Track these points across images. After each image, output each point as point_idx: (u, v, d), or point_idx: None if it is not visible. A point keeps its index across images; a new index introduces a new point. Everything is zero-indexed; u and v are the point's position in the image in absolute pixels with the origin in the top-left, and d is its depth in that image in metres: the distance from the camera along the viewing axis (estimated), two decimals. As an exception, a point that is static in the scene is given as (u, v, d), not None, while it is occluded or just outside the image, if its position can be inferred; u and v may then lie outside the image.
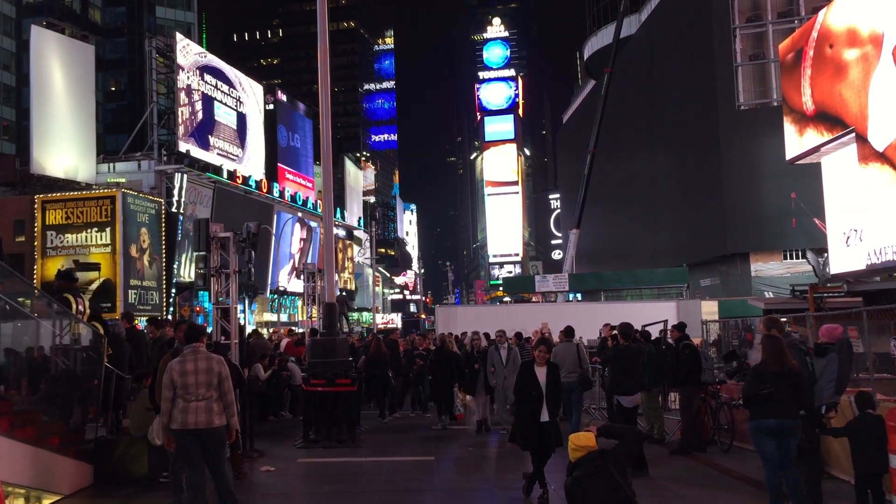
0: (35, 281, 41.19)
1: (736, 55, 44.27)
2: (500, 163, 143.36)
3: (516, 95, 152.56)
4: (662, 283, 41.19)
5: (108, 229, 39.85)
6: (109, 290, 39.07)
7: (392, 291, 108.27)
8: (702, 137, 46.04)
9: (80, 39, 44.11)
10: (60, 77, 42.10)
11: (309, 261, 47.42)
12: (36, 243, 41.27)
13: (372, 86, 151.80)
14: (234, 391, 7.27)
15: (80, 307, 8.16)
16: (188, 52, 47.97)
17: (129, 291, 39.72)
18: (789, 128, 21.71)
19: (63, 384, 7.66)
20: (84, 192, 41.62)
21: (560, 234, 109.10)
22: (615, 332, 11.68)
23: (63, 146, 42.25)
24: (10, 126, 61.73)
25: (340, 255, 68.46)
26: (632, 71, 57.49)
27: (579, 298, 44.85)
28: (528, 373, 8.31)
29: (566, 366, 11.83)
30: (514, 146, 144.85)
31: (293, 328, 26.24)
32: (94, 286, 39.11)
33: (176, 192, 43.64)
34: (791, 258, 43.34)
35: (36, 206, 41.32)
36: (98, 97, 55.67)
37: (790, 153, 21.82)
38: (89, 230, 40.80)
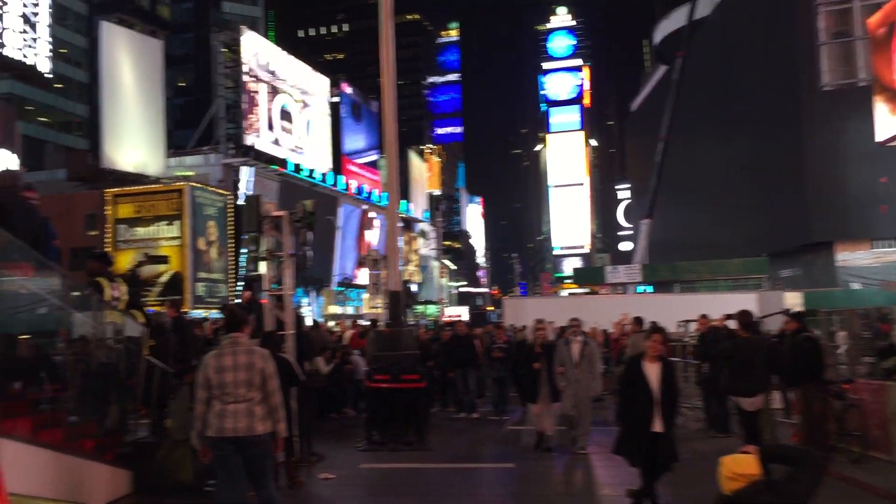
0: (106, 274, 41.74)
1: (819, 34, 41.82)
2: (566, 154, 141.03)
3: (582, 85, 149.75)
4: (740, 273, 39.27)
5: (176, 222, 39.99)
6: (178, 283, 39.22)
7: (457, 284, 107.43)
8: (782, 121, 43.78)
9: (149, 35, 44.35)
10: (130, 73, 42.39)
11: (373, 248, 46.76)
12: (108, 237, 41.71)
13: (436, 78, 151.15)
14: (286, 390, 6.32)
15: (116, 293, 7.32)
16: (254, 46, 47.94)
17: (198, 284, 39.81)
18: (881, 107, 19.96)
19: (96, 380, 6.76)
20: (153, 186, 41.91)
21: (629, 225, 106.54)
22: (711, 323, 10.50)
23: (133, 141, 42.57)
24: (83, 122, 62.94)
25: (406, 248, 67.90)
26: (705, 54, 55.17)
27: (650, 291, 43.15)
28: (635, 370, 6.86)
29: None
30: (580, 137, 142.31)
31: (358, 320, 25.54)
32: (163, 279, 39.31)
33: (242, 184, 43.59)
34: (881, 247, 40.87)
35: (107, 200, 41.77)
36: (167, 93, 56.22)
37: (881, 134, 20.07)
38: (158, 223, 41.05)
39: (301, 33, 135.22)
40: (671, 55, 55.84)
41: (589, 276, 52.04)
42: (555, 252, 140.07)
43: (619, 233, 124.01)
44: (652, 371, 6.78)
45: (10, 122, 31.69)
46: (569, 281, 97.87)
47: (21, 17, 30.39)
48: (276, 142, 49.03)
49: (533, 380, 10.97)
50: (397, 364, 10.86)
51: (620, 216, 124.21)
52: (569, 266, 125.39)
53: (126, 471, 6.92)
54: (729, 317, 11.22)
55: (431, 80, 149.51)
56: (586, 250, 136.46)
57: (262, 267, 9.18)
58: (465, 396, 14.68)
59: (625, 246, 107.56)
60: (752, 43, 47.93)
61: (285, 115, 50.74)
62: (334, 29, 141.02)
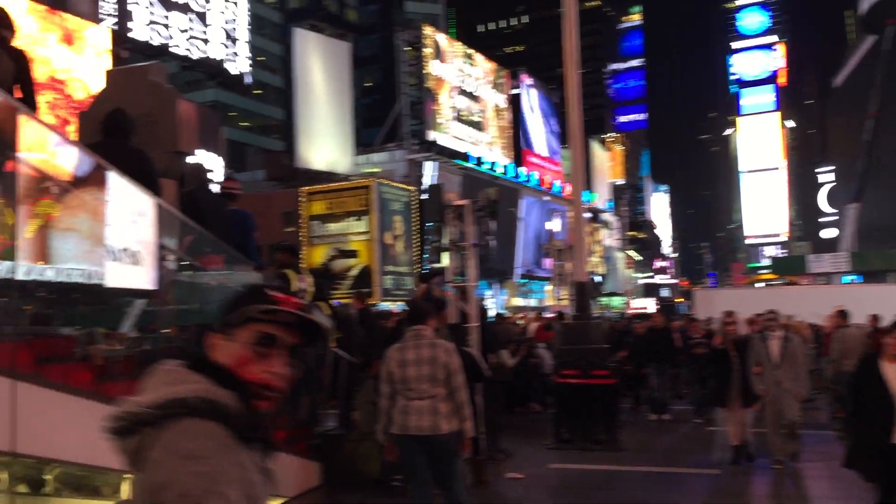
0: (302, 269, 44.04)
1: None
2: (759, 137, 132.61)
3: (777, 64, 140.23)
4: (971, 262, 35.13)
5: (364, 218, 41.38)
6: (368, 276, 40.57)
7: (643, 275, 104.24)
8: None
9: (338, 38, 46.25)
10: (321, 76, 44.38)
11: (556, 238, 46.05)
12: (302, 233, 43.98)
13: (618, 65, 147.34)
14: (472, 385, 6.01)
15: (302, 285, 7.42)
16: (434, 42, 48.72)
17: (385, 277, 41.00)
18: None
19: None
20: (343, 183, 43.64)
21: (833, 211, 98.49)
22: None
23: (324, 141, 44.55)
24: (280, 125, 66.94)
25: (588, 239, 66.60)
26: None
27: (858, 281, 39.53)
28: (870, 371, 5.82)
29: (856, 353, 10.07)
30: (774, 118, 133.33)
31: (542, 312, 25.08)
32: (353, 272, 40.84)
33: (426, 179, 44.43)
34: None
35: (302, 198, 44.01)
36: (355, 93, 58.51)
37: None
38: (348, 219, 42.67)
39: (481, 28, 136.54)
40: (880, 24, 50.74)
41: (788, 265, 48.56)
42: (748, 241, 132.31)
43: (821, 219, 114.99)
44: (892, 372, 5.73)
45: (215, 128, 34.02)
46: (764, 271, 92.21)
47: (223, 30, 32.60)
48: (458, 136, 49.60)
49: (723, 380, 9.55)
50: (586, 358, 10.29)
51: (822, 201, 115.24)
52: (763, 256, 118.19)
53: (316, 463, 6.96)
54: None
55: (613, 67, 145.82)
56: (783, 238, 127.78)
57: (445, 258, 9.01)
58: (657, 394, 13.58)
59: (827, 233, 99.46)
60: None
61: (466, 109, 51.21)
62: (514, 21, 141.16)
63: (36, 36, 19.53)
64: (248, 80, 35.76)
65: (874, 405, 5.72)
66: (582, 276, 11.90)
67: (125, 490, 4.78)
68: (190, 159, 7.58)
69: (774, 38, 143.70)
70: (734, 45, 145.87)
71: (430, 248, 8.99)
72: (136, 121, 5.94)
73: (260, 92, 64.88)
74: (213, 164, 32.02)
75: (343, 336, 8.18)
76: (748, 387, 9.18)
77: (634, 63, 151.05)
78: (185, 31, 29.43)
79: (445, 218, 8.63)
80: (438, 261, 9.19)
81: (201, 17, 30.47)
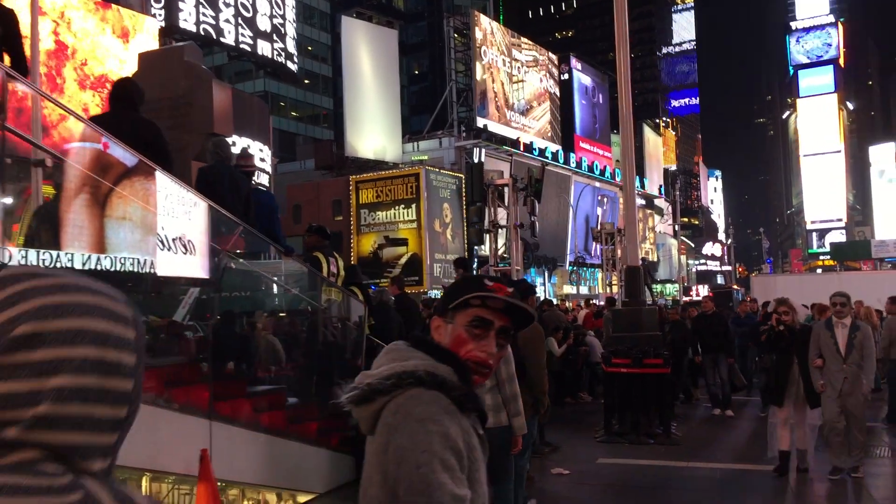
0: (352, 257, 44.18)
1: None
2: (818, 120, 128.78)
3: (836, 43, 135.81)
4: None
5: (413, 205, 41.18)
6: (417, 264, 40.40)
7: (697, 262, 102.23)
8: None
9: (385, 26, 46.01)
10: (368, 64, 44.22)
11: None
12: (352, 221, 44.01)
13: (671, 49, 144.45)
14: (520, 375, 5.60)
15: (333, 269, 7.05)
16: (484, 29, 48.18)
17: (434, 265, 40.76)
18: None
19: (318, 360, 6.47)
20: (391, 171, 43.50)
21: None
22: None
23: (372, 129, 44.43)
24: (328, 114, 67.14)
25: (641, 226, 65.42)
26: None
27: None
28: None
29: None
30: (834, 100, 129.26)
31: (592, 299, 24.45)
32: (402, 260, 40.74)
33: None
34: None
35: (350, 186, 44.01)
36: (402, 81, 58.29)
37: None
38: (397, 207, 42.54)
39: (530, 13, 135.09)
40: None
41: (850, 251, 46.94)
42: (808, 227, 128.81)
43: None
44: None
45: (263, 118, 34.16)
46: (824, 258, 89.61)
47: (269, 19, 32.64)
48: (507, 122, 49.04)
49: (781, 373, 8.17)
50: (638, 346, 9.69)
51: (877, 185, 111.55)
52: (822, 241, 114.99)
53: (349, 456, 6.57)
54: None
55: (666, 50, 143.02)
56: (843, 224, 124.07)
57: (487, 241, 8.61)
58: (716, 388, 12.55)
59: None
60: None
61: (515, 95, 50.60)
62: (563, 6, 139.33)
63: (91, 30, 19.48)
64: (295, 69, 35.79)
65: None
66: (634, 261, 11.32)
67: (144, 485, 4.57)
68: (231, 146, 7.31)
69: (832, 17, 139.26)
70: (792, 24, 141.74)
71: (472, 231, 8.49)
72: (162, 98, 5.67)
73: (308, 82, 65.12)
74: (262, 154, 32.22)
75: (379, 323, 7.82)
76: (809, 383, 7.89)
77: (687, 46, 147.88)
78: (233, 20, 29.46)
79: (487, 199, 8.20)
80: (480, 243, 8.78)
81: (249, 6, 30.49)
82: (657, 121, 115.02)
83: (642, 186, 66.75)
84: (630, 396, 9.45)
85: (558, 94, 56.80)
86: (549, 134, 54.14)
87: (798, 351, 8.02)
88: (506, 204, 8.04)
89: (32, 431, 0.85)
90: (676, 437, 9.84)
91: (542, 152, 48.66)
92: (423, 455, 1.58)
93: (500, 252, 11.77)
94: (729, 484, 7.92)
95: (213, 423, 4.29)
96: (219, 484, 4.04)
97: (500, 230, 8.13)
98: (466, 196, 41.81)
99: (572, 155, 54.33)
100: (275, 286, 6.25)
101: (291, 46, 35.29)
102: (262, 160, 32.06)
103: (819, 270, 58.25)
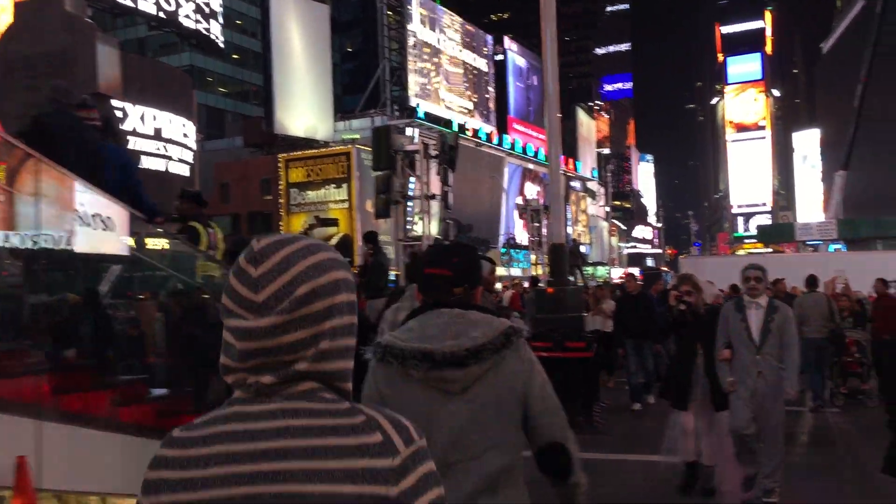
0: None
1: None
2: (745, 106, 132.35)
3: (763, 31, 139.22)
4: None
5: (344, 185, 40.41)
6: (348, 246, 39.59)
7: (628, 245, 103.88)
8: None
9: (317, 1, 44.85)
10: (299, 40, 43.10)
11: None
12: (281, 201, 42.98)
13: (605, 34, 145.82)
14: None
15: (213, 240, 6.23)
16: (418, 7, 47.39)
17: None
18: None
19: (194, 344, 5.68)
20: (322, 150, 42.60)
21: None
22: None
23: (303, 106, 43.39)
24: (259, 91, 65.35)
25: (573, 208, 65.81)
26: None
27: (842, 250, 39.01)
28: None
29: (816, 319, 10.46)
30: (760, 87, 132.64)
31: (520, 281, 24.18)
32: (333, 241, 39.73)
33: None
34: None
35: (280, 165, 42.94)
36: (335, 58, 57.03)
37: None
38: (328, 186, 41.73)
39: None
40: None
41: (775, 233, 48.01)
42: (734, 211, 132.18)
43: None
44: None
45: (186, 92, 32.77)
46: (750, 241, 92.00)
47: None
48: (441, 102, 48.49)
49: (682, 369, 6.56)
50: (559, 329, 9.10)
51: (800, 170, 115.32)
52: (748, 225, 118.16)
53: None
54: None
55: (600, 35, 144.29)
56: (768, 208, 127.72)
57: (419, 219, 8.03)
58: (637, 380, 10.85)
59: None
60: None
61: (448, 75, 50.03)
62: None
63: None
64: (221, 42, 34.43)
65: None
66: (559, 238, 10.81)
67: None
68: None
69: (760, 6, 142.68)
70: (722, 13, 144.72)
71: (379, 201, 7.80)
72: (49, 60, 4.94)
73: (238, 57, 63.24)
74: (186, 129, 30.91)
75: None
76: (716, 381, 6.16)
77: (621, 32, 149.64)
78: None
79: (396, 165, 7.61)
80: (387, 216, 8.16)
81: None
82: (591, 104, 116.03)
83: (576, 169, 67.13)
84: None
85: (493, 75, 56.43)
86: (484, 115, 53.78)
87: (703, 339, 6.32)
88: (417, 173, 7.50)
89: (316, 363, 1.12)
90: (599, 427, 9.17)
91: (475, 133, 48.31)
92: (546, 383, 2.20)
93: (433, 233, 11.12)
94: (649, 473, 7.29)
95: (44, 424, 3.62)
96: (44, 495, 3.43)
97: (430, 205, 7.59)
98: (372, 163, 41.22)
99: (506, 136, 54.14)
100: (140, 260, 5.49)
101: (218, 18, 33.92)
102: (186, 136, 30.82)
103: (746, 252, 59.56)
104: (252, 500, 1.06)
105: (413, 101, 45.51)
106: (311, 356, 1.11)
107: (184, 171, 30.46)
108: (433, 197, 7.79)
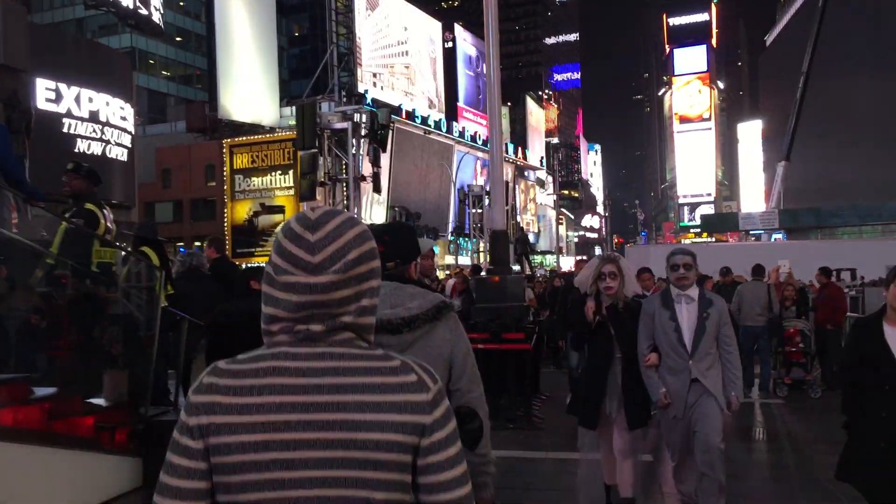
0: (225, 225, 42.06)
1: None
2: (691, 97, 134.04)
3: (709, 24, 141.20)
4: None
5: (290, 172, 39.60)
6: (294, 233, 38.94)
7: (576, 234, 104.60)
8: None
9: (261, -18, 43.80)
10: (243, 23, 42.05)
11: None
12: (225, 187, 41.99)
13: (554, 24, 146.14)
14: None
15: (110, 224, 5.69)
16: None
17: (313, 234, 39.37)
18: None
19: (86, 339, 5.12)
20: (268, 136, 41.72)
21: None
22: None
23: (248, 91, 42.43)
24: (202, 75, 63.77)
25: (522, 196, 65.82)
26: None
27: (783, 238, 39.72)
28: (871, 339, 3.55)
29: (754, 308, 10.42)
30: (706, 79, 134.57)
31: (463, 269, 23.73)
32: (279, 229, 39.09)
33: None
34: None
35: (224, 150, 41.93)
36: (281, 43, 55.90)
37: None
38: (273, 173, 40.92)
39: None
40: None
41: (719, 223, 48.64)
42: (679, 200, 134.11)
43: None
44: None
45: (125, 74, 31.62)
46: (695, 230, 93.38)
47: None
48: (390, 88, 47.79)
49: (593, 376, 5.23)
50: (497, 319, 8.66)
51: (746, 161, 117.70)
52: (693, 215, 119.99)
53: (134, 458, 5.15)
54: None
55: (549, 25, 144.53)
56: (712, 198, 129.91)
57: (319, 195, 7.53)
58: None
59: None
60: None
61: (398, 62, 49.33)
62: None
63: None
64: (161, 22, 33.29)
65: (879, 388, 3.49)
66: (500, 224, 10.40)
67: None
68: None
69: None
70: (668, 5, 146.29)
71: (304, 183, 7.21)
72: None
73: (180, 39, 61.62)
74: (124, 112, 29.81)
75: (186, 292, 6.55)
76: (635, 392, 5.01)
77: (570, 22, 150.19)
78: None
79: (322, 144, 7.10)
80: (312, 198, 7.66)
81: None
82: (540, 93, 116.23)
83: (525, 158, 67.07)
84: (489, 376, 8.34)
85: (442, 62, 55.86)
86: (433, 102, 53.21)
87: (621, 339, 5.09)
88: (348, 153, 7.02)
89: (357, 317, 1.32)
90: (538, 422, 8.69)
91: (424, 120, 47.76)
92: (470, 351, 2.44)
93: (371, 219, 10.63)
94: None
95: None
96: None
97: (362, 188, 7.06)
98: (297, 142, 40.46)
99: (455, 124, 53.68)
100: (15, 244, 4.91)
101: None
102: (124, 119, 29.74)
103: (689, 241, 60.35)
104: (307, 425, 1.23)
105: (361, 88, 44.74)
106: (354, 311, 1.31)
107: (122, 155, 29.45)
108: (364, 179, 7.27)
